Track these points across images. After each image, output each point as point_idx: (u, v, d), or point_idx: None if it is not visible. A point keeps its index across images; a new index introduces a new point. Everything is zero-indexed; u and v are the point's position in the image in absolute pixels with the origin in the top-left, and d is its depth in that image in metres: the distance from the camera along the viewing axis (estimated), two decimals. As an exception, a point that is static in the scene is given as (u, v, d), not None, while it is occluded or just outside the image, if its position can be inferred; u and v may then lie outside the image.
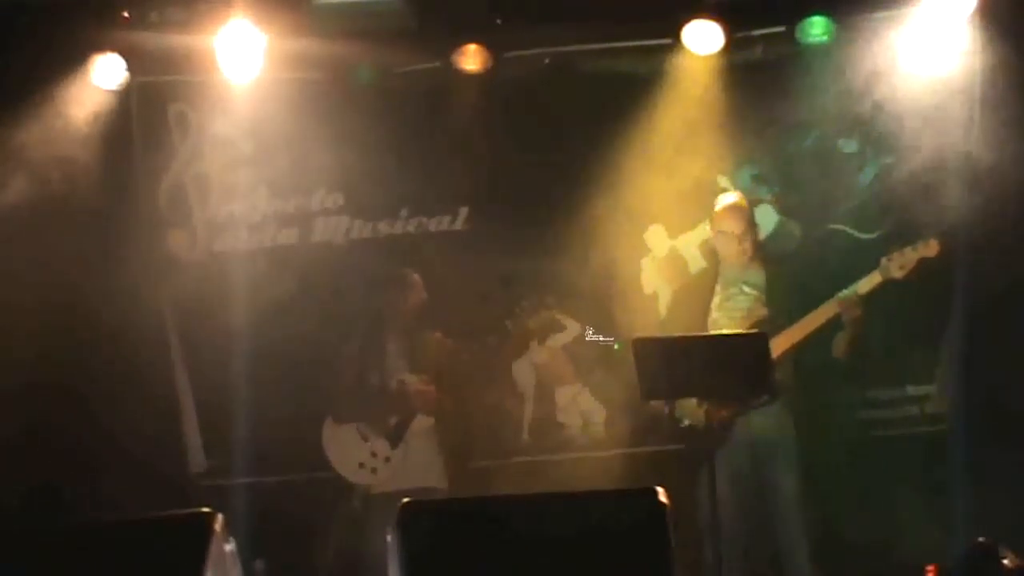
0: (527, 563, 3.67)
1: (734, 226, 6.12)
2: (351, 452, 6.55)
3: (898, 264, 5.82)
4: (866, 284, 5.85)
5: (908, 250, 5.80)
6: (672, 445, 6.48)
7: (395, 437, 6.50)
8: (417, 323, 6.64)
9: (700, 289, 6.28)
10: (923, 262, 5.80)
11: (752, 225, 6.19)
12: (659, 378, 5.49)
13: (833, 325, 5.89)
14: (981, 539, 5.42)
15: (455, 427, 6.66)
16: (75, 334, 6.88)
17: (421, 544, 3.68)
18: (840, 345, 5.94)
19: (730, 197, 6.28)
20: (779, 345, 5.82)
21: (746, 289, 6.08)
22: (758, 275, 6.14)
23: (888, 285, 5.86)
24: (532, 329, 6.77)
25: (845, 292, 5.84)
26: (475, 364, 6.70)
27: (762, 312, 6.01)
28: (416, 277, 6.69)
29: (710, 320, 6.12)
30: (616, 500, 4.00)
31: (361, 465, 6.52)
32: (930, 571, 5.75)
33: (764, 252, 6.27)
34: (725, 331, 5.99)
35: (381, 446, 6.51)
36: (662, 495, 3.76)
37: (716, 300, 6.14)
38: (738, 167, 7.08)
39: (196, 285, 7.15)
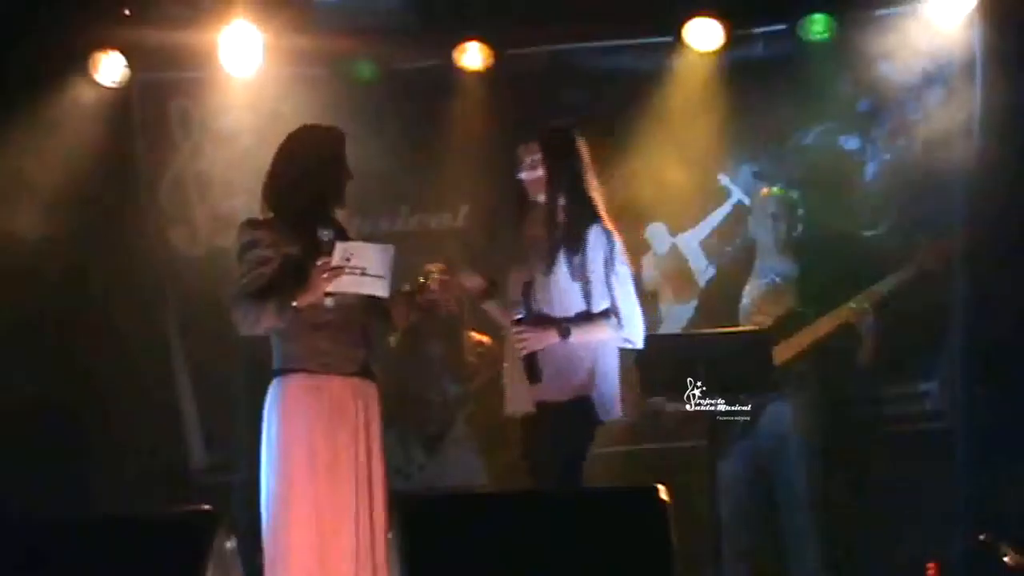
0: (527, 560, 3.66)
1: (776, 209, 6.10)
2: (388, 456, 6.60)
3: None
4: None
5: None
6: (673, 444, 6.50)
7: (431, 446, 6.52)
8: (456, 326, 6.64)
9: (732, 277, 6.28)
10: None
11: (794, 215, 6.16)
12: (660, 375, 5.49)
13: (850, 334, 5.87)
14: (982, 536, 5.43)
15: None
16: (75, 329, 6.88)
17: (421, 541, 3.68)
18: (865, 354, 5.92)
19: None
20: (797, 343, 5.81)
21: (778, 280, 6.06)
22: (791, 267, 6.11)
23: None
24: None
25: (857, 300, 5.82)
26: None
27: (792, 304, 5.98)
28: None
29: (740, 307, 6.09)
30: (617, 497, 4.00)
31: (397, 471, 6.55)
32: (931, 568, 5.75)
33: (797, 245, 6.23)
34: (734, 327, 5.98)
35: (418, 453, 6.53)
36: (663, 492, 3.76)
37: (747, 287, 6.12)
38: (739, 165, 7.08)
39: (197, 280, 7.13)
